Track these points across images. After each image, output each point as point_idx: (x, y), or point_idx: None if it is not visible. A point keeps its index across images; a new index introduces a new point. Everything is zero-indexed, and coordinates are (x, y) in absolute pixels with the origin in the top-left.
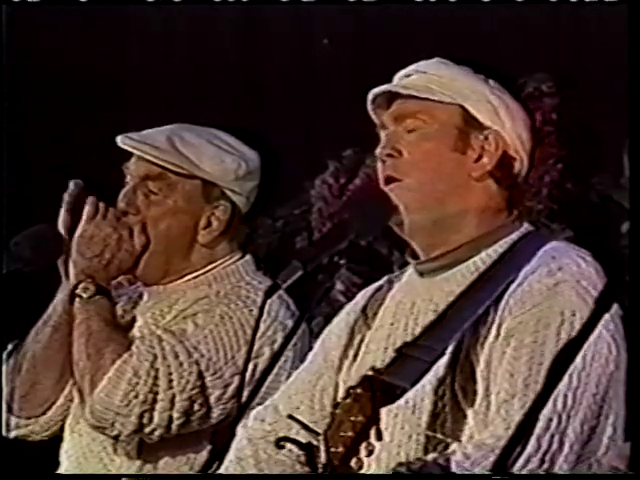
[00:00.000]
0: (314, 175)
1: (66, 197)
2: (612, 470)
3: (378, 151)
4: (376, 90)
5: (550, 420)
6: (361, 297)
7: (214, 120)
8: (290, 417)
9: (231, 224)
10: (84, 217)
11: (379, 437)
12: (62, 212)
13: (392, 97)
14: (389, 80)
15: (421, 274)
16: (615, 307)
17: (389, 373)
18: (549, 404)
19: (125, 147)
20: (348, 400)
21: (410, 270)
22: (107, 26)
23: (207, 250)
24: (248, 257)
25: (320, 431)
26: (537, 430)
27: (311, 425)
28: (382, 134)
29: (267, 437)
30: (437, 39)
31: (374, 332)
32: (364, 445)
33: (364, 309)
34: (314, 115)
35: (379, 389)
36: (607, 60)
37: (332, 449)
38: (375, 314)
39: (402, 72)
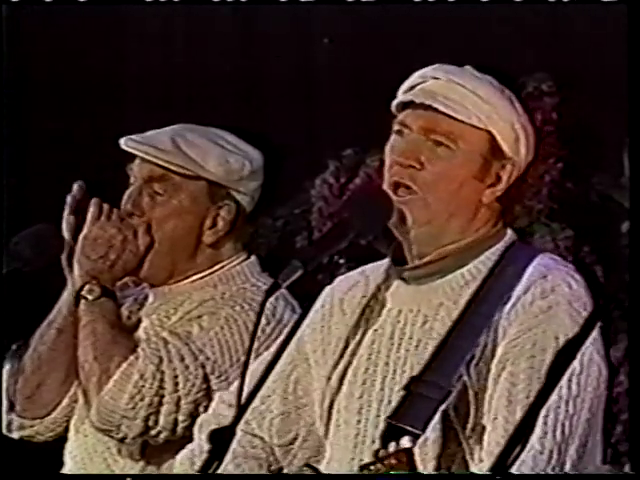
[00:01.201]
0: (314, 175)
1: (69, 199)
2: (612, 470)
3: (398, 157)
4: (416, 100)
5: (551, 452)
6: (336, 287)
7: (214, 120)
8: (255, 439)
9: (236, 224)
10: (88, 218)
11: None
12: (65, 214)
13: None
14: (389, 80)
15: (405, 280)
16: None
17: (401, 416)
18: (549, 435)
19: (128, 149)
20: (380, 466)
21: (388, 273)
22: (107, 26)
23: (212, 250)
24: (253, 258)
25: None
26: (540, 463)
27: (282, 416)
28: (398, 131)
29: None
30: (437, 39)
31: (357, 336)
32: None
33: (341, 305)
34: (314, 115)
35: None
36: (607, 60)
37: None
38: (353, 312)
39: (429, 72)
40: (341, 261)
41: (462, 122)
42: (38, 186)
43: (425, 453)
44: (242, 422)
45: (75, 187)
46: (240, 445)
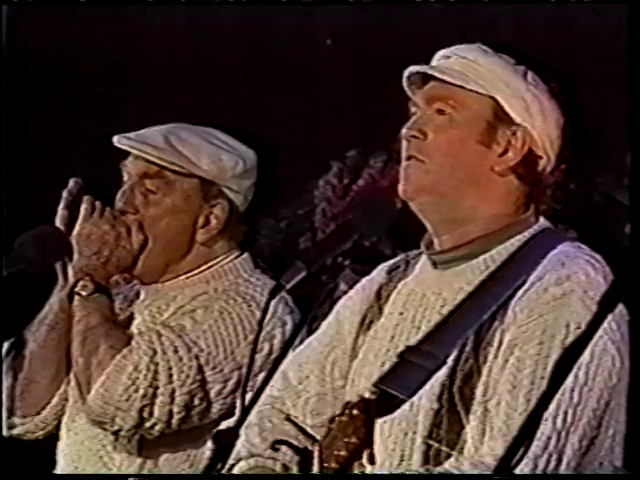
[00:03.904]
0: (317, 176)
1: (65, 193)
2: (612, 470)
3: (404, 131)
4: (412, 69)
5: (549, 439)
6: (377, 273)
7: (216, 120)
8: (288, 419)
9: (229, 222)
10: (81, 215)
11: (371, 461)
12: (60, 209)
13: (427, 77)
14: (392, 80)
15: (434, 264)
16: (624, 314)
17: (389, 380)
18: (549, 422)
19: (122, 147)
20: (343, 418)
21: (424, 258)
22: (107, 26)
23: (205, 248)
24: (246, 255)
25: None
26: (535, 449)
27: (318, 397)
28: (413, 112)
29: (274, 404)
30: (438, 39)
31: (384, 319)
32: (357, 464)
33: (378, 289)
34: (317, 116)
35: (374, 412)
36: (608, 60)
37: (325, 464)
38: (388, 297)
39: (442, 52)
40: (345, 262)
41: (462, 88)
42: (39, 187)
43: (415, 422)
44: (279, 400)
45: (71, 182)
46: (270, 421)
